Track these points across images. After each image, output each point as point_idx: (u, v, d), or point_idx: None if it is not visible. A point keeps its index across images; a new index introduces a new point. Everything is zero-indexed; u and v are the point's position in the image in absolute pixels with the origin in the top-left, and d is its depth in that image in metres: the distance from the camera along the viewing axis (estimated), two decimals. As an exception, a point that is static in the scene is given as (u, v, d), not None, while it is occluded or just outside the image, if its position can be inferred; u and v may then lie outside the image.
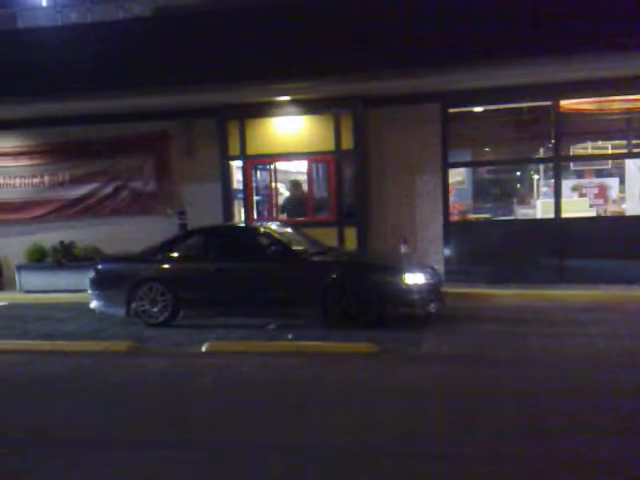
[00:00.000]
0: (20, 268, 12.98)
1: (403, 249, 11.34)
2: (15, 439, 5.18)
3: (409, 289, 8.60)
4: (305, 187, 12.41)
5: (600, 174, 13.07)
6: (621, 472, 4.13)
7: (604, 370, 6.38)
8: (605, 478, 4.05)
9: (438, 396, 5.80)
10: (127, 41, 11.06)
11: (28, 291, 12.79)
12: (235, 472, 4.37)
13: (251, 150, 12.28)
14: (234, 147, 12.33)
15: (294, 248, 9.21)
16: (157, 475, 4.38)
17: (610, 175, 13.00)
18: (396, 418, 5.24)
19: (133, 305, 9.32)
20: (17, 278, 12.99)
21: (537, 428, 4.89)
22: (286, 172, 13.21)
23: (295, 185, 12.62)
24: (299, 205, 12.48)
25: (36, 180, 13.39)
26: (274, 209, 12.46)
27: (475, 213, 13.09)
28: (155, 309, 9.27)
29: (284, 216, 12.35)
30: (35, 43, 11.48)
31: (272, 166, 12.44)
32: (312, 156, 12.12)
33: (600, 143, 12.69)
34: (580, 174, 13.12)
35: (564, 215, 11.34)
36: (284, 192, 13.17)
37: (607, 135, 12.58)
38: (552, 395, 5.67)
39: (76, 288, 11.59)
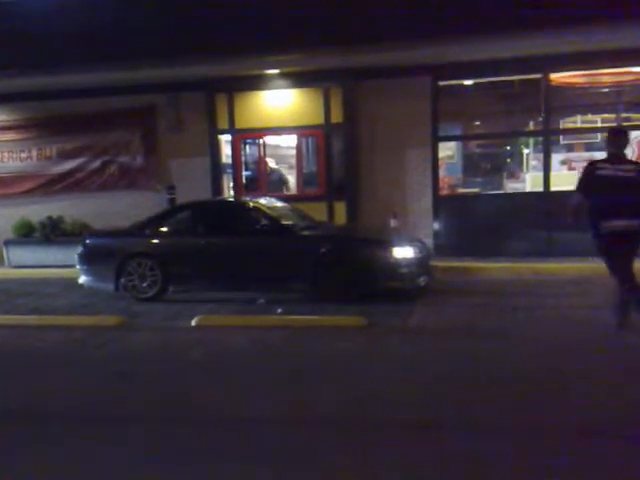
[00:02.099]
0: (8, 243, 12.91)
1: (392, 223, 11.33)
2: (3, 413, 5.19)
3: (398, 263, 8.62)
4: (273, 164, 12.48)
5: (590, 148, 13.04)
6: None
7: (588, 341, 6.44)
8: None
9: (424, 368, 5.84)
10: (114, 13, 10.90)
11: (16, 266, 12.73)
12: (227, 445, 4.38)
13: (240, 124, 12.20)
14: (223, 121, 12.24)
15: (284, 222, 9.19)
16: (154, 449, 4.40)
17: (600, 149, 12.96)
18: (383, 390, 5.28)
19: (122, 280, 9.29)
20: (5, 253, 12.93)
21: (523, 396, 4.95)
22: (276, 146, 13.16)
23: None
24: (271, 181, 12.56)
25: (24, 155, 13.29)
26: (263, 183, 12.42)
27: (465, 187, 13.07)
28: (144, 284, 9.25)
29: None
30: (20, 15, 11.30)
31: (261, 140, 12.37)
32: (301, 130, 12.06)
33: (590, 116, 12.66)
34: (570, 148, 13.09)
35: (553, 189, 11.36)
36: (273, 166, 13.18)
37: (597, 108, 12.54)
38: (537, 366, 5.72)
39: (65, 263, 11.51)
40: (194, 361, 6.40)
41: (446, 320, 7.63)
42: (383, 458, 4.06)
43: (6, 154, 13.36)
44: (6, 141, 13.27)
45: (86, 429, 4.75)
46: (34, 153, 13.23)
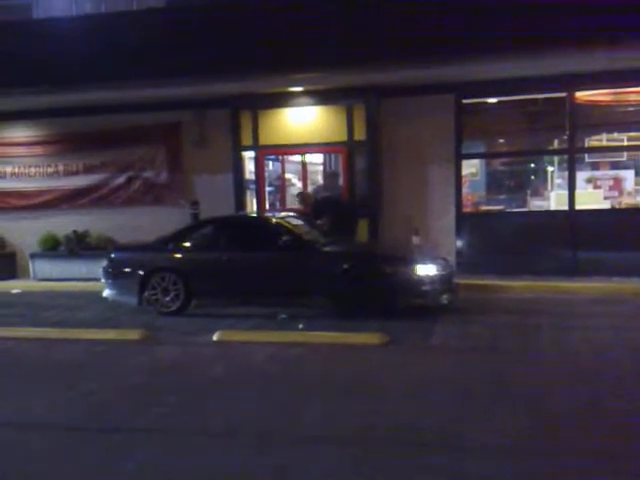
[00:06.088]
0: (34, 256, 13.10)
1: (415, 240, 11.29)
2: (20, 424, 5.23)
3: (421, 280, 8.59)
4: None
5: (615, 166, 12.93)
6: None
7: (612, 362, 6.35)
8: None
9: (443, 387, 5.78)
10: (141, 32, 11.05)
11: (42, 279, 12.90)
12: (241, 458, 4.38)
13: (263, 141, 12.28)
14: (247, 138, 12.32)
15: (306, 238, 9.22)
16: (162, 463, 4.41)
17: (625, 167, 12.86)
18: (400, 409, 5.24)
19: (145, 294, 9.36)
20: (31, 266, 13.12)
21: (542, 419, 4.88)
22: (299, 163, 13.19)
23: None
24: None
25: (50, 169, 13.46)
26: (286, 200, 12.46)
27: (488, 204, 13.01)
28: (167, 298, 9.31)
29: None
30: (50, 33, 11.52)
31: (284, 157, 12.43)
32: (324, 147, 12.11)
33: (615, 135, 12.54)
34: (595, 166, 12.99)
35: (578, 207, 11.26)
36: (296, 183, 13.18)
37: (623, 127, 12.43)
38: (558, 387, 5.64)
39: (89, 277, 11.67)
40: (213, 376, 6.40)
41: (469, 339, 7.56)
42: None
43: (33, 169, 13.55)
44: (33, 156, 13.46)
45: (102, 440, 4.77)
46: (60, 168, 13.40)
